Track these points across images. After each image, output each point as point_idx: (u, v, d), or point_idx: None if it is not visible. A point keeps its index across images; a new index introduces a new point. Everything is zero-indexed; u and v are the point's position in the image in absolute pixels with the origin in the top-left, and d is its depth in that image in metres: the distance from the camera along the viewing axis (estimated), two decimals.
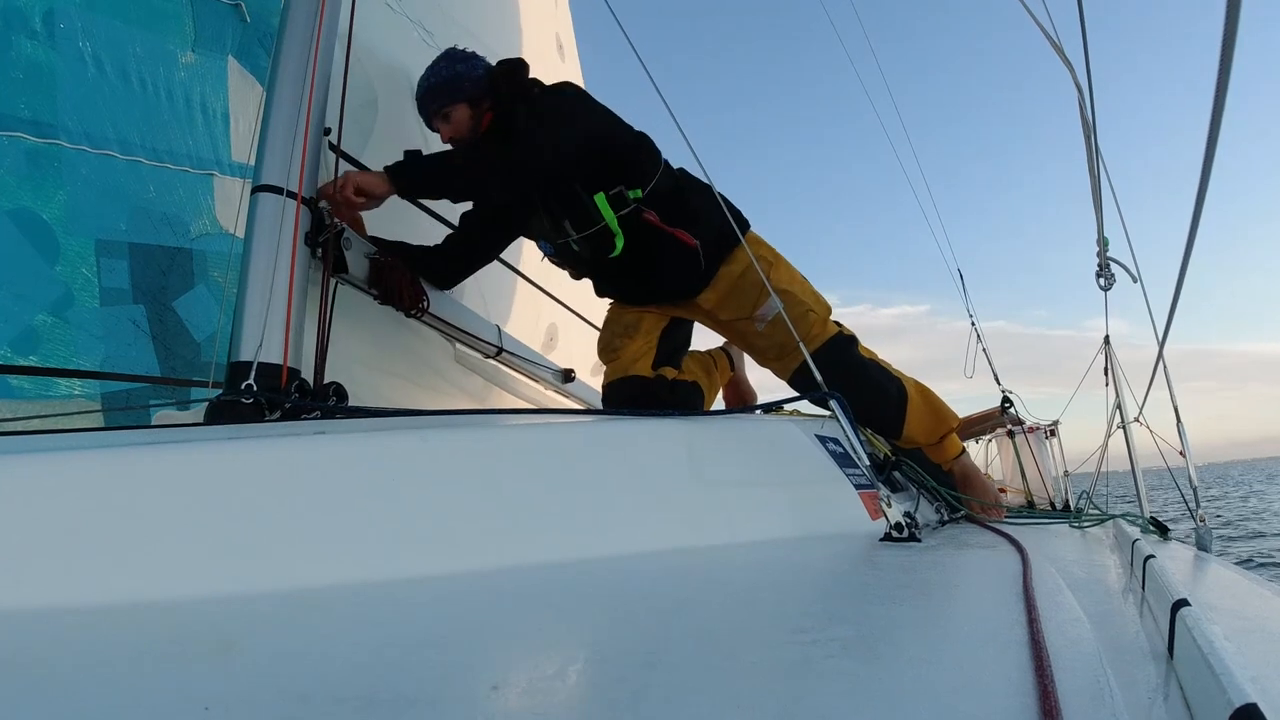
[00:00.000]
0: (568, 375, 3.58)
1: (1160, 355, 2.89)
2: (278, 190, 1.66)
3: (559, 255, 2.32)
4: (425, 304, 2.30)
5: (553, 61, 4.21)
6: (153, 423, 2.19)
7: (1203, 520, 2.89)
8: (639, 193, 2.13)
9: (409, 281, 2.23)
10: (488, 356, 2.96)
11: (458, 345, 2.82)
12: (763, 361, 2.57)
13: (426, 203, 2.74)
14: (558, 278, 3.17)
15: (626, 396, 2.50)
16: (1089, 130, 2.34)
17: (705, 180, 2.18)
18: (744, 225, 2.37)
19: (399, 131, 2.71)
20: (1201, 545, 2.64)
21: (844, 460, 1.85)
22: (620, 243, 2.12)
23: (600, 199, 2.07)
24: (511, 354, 3.01)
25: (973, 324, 5.99)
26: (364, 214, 2.17)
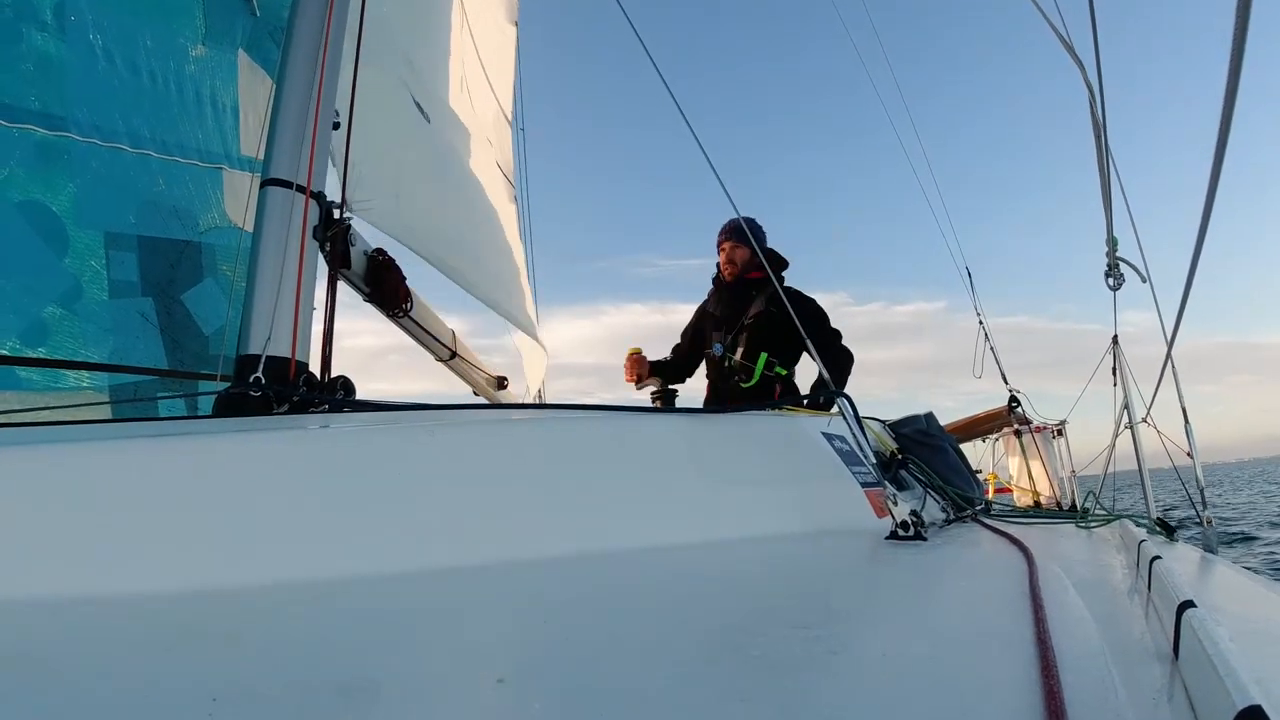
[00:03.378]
0: (501, 382, 4.06)
1: (1169, 356, 2.88)
2: (287, 184, 1.66)
3: (716, 358, 3.21)
4: (409, 306, 2.39)
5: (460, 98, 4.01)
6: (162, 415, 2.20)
7: (1209, 522, 2.88)
8: (783, 372, 3.06)
9: (401, 281, 2.31)
10: (440, 359, 3.25)
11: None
12: None
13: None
14: None
15: None
16: (1099, 130, 2.32)
17: (719, 182, 2.24)
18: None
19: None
20: (1208, 547, 2.63)
21: (850, 458, 1.85)
22: (750, 384, 3.06)
23: (763, 356, 3.02)
24: (463, 359, 3.35)
25: (980, 323, 5.96)
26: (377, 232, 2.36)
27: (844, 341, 3.17)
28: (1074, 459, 5.93)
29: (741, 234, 3.26)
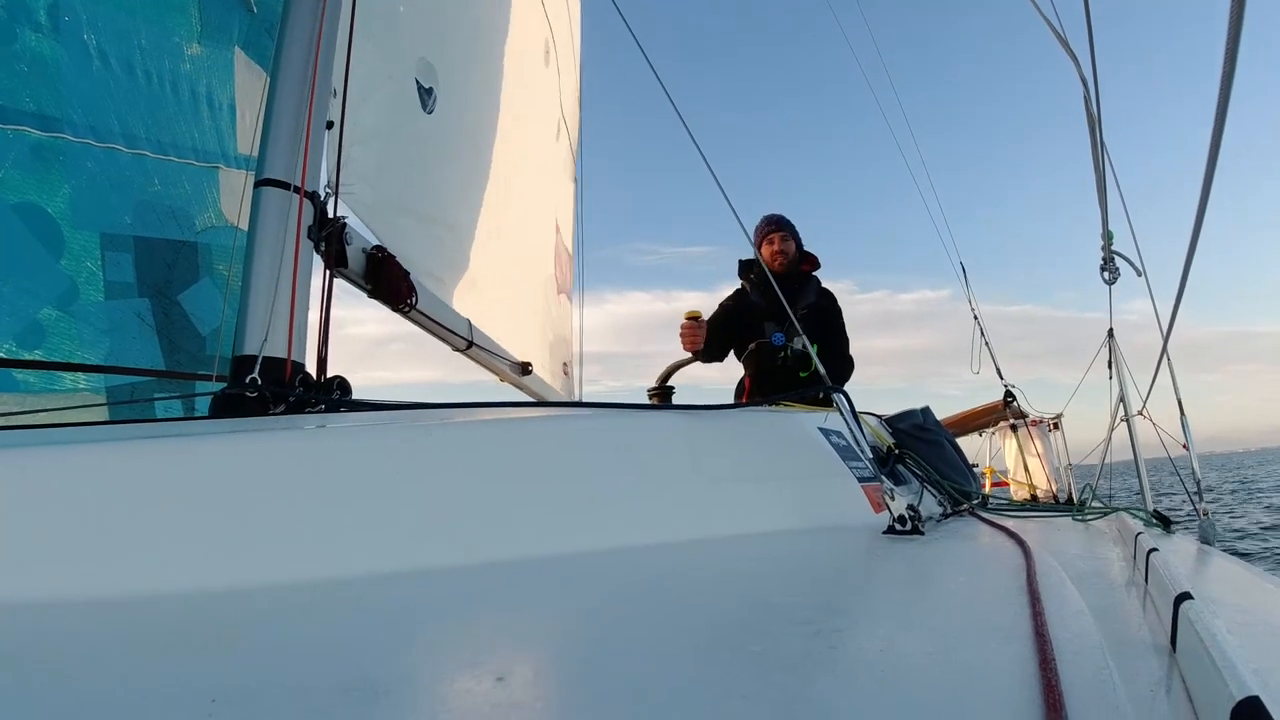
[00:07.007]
0: (525, 368, 3.95)
1: (1164, 350, 2.88)
2: (282, 185, 1.66)
3: (777, 348, 3.30)
4: (414, 300, 2.35)
5: (536, 67, 4.14)
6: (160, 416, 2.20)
7: (1205, 513, 2.89)
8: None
9: (403, 276, 2.27)
10: (457, 350, 3.20)
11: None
12: None
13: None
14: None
15: None
16: (1094, 124, 2.32)
17: (715, 181, 2.25)
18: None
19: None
20: (1204, 538, 2.63)
21: (847, 453, 1.85)
22: (806, 373, 3.25)
23: (814, 346, 3.00)
24: (480, 348, 3.29)
25: (975, 319, 5.97)
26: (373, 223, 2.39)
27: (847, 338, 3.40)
28: (1071, 450, 5.95)
29: (791, 227, 3.47)
